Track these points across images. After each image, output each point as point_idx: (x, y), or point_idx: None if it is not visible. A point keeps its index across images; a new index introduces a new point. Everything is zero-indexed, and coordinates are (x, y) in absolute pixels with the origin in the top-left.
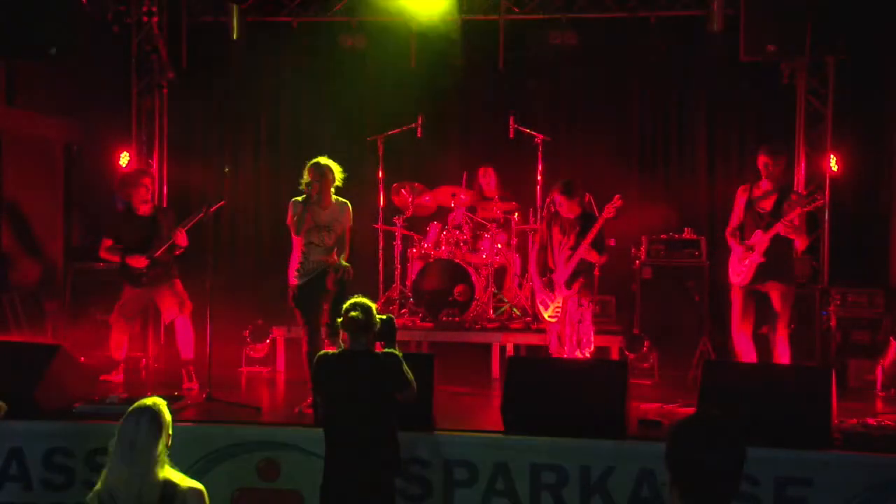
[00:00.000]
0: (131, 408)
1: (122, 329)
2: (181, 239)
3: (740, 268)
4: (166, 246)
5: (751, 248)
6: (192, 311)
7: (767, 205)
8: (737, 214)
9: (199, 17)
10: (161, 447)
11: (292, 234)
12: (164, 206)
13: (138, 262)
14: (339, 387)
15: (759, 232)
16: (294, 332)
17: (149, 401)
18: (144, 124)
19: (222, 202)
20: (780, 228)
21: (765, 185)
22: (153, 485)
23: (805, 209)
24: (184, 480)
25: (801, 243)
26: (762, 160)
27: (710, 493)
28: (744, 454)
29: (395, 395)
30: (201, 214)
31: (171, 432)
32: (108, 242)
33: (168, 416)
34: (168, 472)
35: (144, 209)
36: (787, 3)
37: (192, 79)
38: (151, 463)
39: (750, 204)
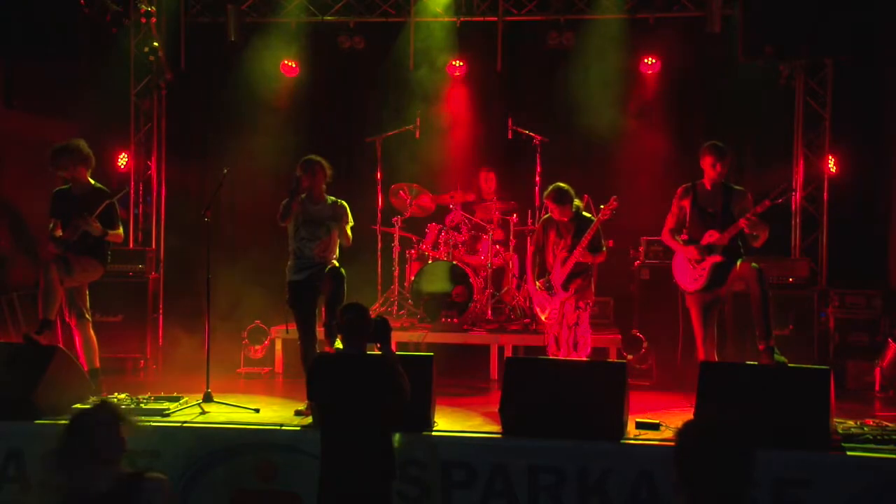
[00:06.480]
0: (82, 407)
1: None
2: (91, 228)
3: (694, 272)
4: (76, 234)
5: (710, 250)
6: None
7: (716, 205)
8: (674, 215)
9: (198, 19)
10: (115, 445)
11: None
12: (105, 189)
13: (51, 246)
14: (332, 389)
15: (713, 232)
16: (292, 332)
17: (98, 400)
18: (143, 126)
19: (125, 189)
20: (742, 224)
21: (710, 184)
22: (108, 483)
23: (776, 201)
24: (141, 475)
25: (764, 237)
26: (708, 160)
27: (720, 494)
28: (754, 455)
29: (386, 401)
30: (105, 203)
31: (126, 430)
32: (52, 221)
33: (122, 413)
34: (125, 469)
35: (77, 189)
36: (785, 5)
37: (191, 80)
38: (106, 461)
39: (696, 204)
